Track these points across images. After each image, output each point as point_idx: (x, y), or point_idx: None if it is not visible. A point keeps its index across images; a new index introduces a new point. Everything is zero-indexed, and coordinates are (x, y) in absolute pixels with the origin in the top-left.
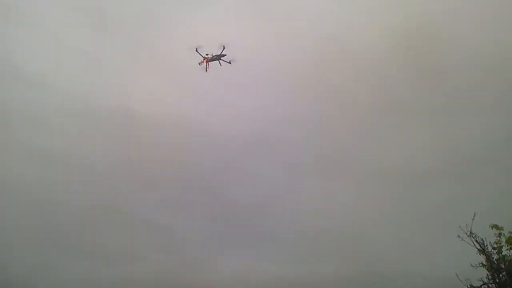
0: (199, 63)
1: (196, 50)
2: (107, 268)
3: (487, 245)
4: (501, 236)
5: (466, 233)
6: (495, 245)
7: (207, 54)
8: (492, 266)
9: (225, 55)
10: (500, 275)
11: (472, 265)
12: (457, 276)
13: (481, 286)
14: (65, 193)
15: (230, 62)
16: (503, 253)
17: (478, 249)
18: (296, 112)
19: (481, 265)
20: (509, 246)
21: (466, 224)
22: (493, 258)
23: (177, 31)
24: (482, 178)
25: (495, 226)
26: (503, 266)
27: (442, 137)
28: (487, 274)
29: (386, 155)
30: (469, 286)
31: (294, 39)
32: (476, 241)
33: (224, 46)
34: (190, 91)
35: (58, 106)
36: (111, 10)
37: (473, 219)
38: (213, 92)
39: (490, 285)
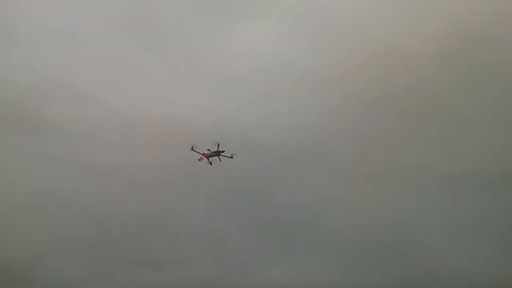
0: (198, 160)
1: (192, 149)
2: (156, 274)
3: None
4: None
5: None
6: None
7: (208, 149)
8: None
9: (224, 151)
10: None
11: None
12: None
13: None
14: (115, 205)
15: (232, 157)
16: None
17: None
18: (346, 120)
19: None
20: None
21: None
22: None
23: (223, 43)
24: None
25: None
26: None
27: (500, 138)
28: None
29: (439, 160)
30: None
31: (337, 41)
32: None
33: (219, 144)
34: (236, 101)
35: (106, 120)
36: (156, 27)
37: None
38: (260, 101)
39: None
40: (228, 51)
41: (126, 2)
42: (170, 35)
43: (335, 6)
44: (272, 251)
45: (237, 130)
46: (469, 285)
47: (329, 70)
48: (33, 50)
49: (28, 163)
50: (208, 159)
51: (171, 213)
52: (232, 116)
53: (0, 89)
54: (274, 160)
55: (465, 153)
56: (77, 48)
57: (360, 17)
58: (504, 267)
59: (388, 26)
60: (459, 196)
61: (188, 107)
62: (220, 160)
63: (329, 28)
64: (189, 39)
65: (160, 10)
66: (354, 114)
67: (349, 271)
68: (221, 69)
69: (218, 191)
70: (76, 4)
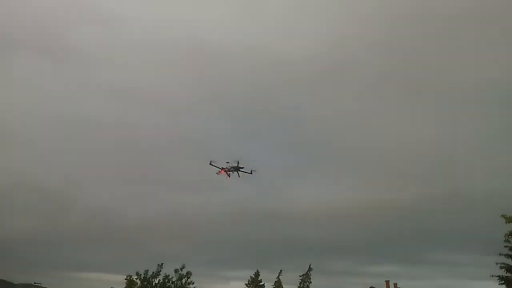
0: (216, 173)
1: (211, 163)
2: (188, 197)
3: None
4: None
5: None
6: None
7: (227, 162)
8: None
9: (243, 167)
10: None
11: None
12: None
13: None
14: (144, 128)
15: (251, 173)
16: None
17: None
18: (376, 32)
19: None
20: None
21: None
22: None
23: None
24: None
25: None
26: None
27: None
28: None
29: (471, 78)
30: None
31: None
32: None
33: (238, 161)
34: (262, 18)
35: (128, 42)
36: None
37: None
38: (285, 17)
39: None
40: None
41: None
42: None
43: None
44: (301, 170)
45: (264, 48)
46: (495, 201)
47: None
48: None
49: (54, 87)
50: (227, 173)
51: (199, 134)
52: (258, 34)
53: (22, 13)
54: (300, 77)
55: (499, 71)
56: None
57: None
58: None
59: None
60: (488, 115)
61: (211, 25)
62: (239, 176)
63: None
64: None
65: None
66: (385, 27)
67: (379, 187)
68: None
69: (244, 111)
70: None
